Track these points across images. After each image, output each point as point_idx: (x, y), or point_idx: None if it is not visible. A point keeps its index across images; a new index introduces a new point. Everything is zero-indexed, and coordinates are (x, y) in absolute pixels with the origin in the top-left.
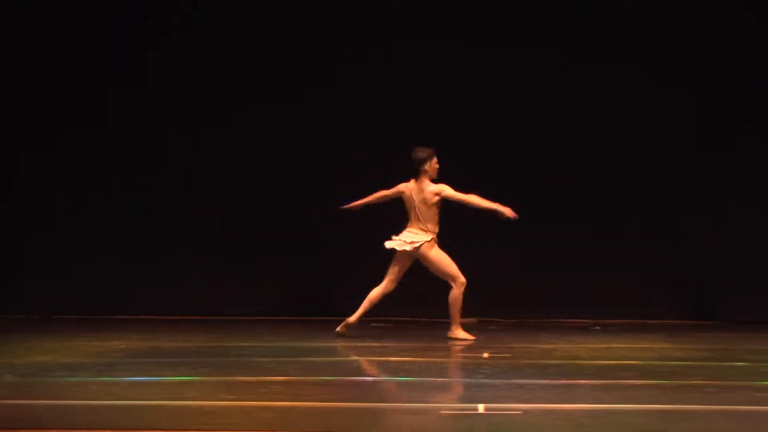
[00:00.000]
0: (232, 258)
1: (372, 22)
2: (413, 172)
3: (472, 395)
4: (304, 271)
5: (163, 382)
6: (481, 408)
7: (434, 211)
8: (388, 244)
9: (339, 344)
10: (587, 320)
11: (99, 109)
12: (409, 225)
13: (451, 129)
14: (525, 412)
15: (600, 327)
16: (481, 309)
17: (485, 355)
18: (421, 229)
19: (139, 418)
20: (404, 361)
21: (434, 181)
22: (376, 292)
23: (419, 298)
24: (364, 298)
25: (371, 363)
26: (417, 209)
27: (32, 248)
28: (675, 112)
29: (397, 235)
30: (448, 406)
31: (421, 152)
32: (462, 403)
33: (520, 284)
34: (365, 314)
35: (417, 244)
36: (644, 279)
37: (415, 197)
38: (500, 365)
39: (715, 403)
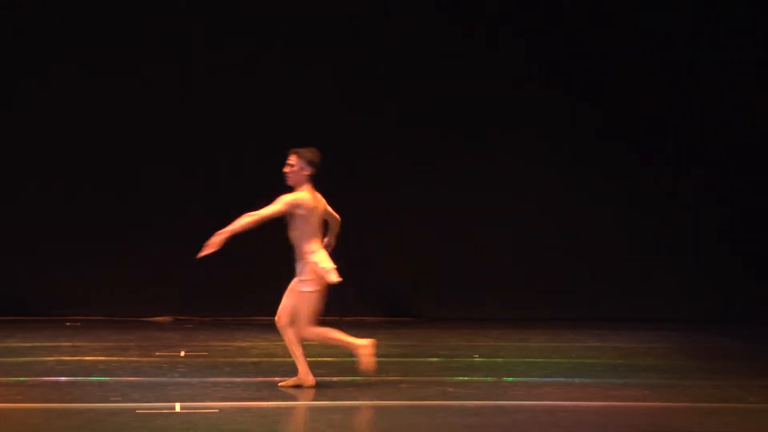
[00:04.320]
0: None
1: None
2: (312, 177)
3: (168, 394)
4: None
5: None
6: (177, 407)
7: None
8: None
9: (31, 344)
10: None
11: None
12: (320, 244)
13: None
14: (221, 410)
15: None
16: (177, 307)
17: (181, 353)
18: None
19: None
20: (98, 360)
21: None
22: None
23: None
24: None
25: (64, 363)
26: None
27: None
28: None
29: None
30: (144, 405)
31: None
32: (158, 402)
33: (216, 282)
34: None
35: None
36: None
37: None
38: (196, 363)
39: (408, 399)
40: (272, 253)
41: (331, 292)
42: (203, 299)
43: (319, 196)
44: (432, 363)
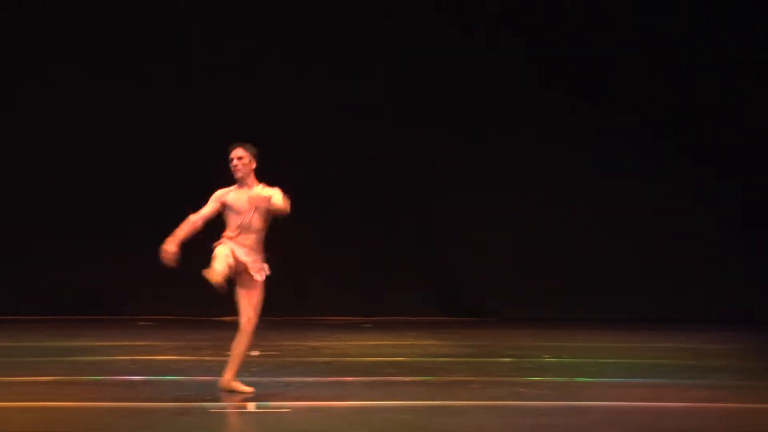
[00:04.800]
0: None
1: None
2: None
3: (241, 394)
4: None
5: None
6: (250, 406)
7: None
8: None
9: (105, 344)
10: (357, 318)
11: None
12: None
13: None
14: (294, 409)
15: (371, 324)
16: None
17: (254, 353)
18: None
19: None
20: (171, 360)
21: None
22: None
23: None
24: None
25: (138, 362)
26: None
27: None
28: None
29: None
30: (217, 404)
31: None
32: (231, 401)
33: (290, 283)
34: None
35: None
36: (412, 277)
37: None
38: (269, 363)
39: (478, 399)
40: (345, 254)
41: (400, 293)
42: (276, 299)
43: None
44: (503, 363)
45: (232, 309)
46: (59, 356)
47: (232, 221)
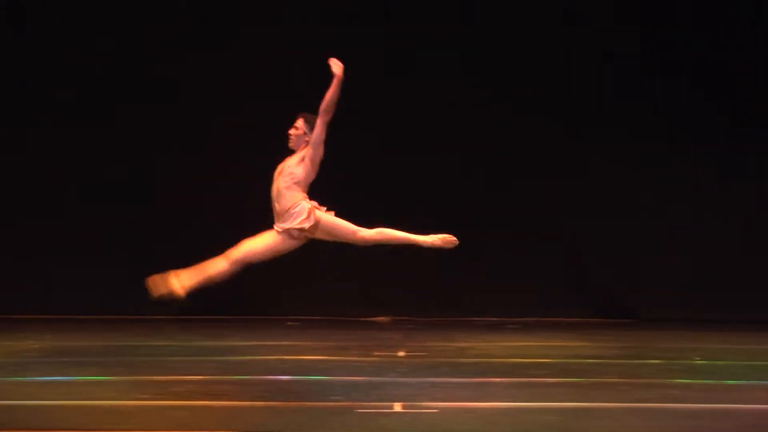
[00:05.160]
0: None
1: None
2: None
3: (387, 394)
4: None
5: (77, 382)
6: (397, 406)
7: None
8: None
9: (253, 343)
10: (503, 318)
11: None
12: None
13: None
14: (441, 410)
15: (516, 325)
16: (396, 307)
17: (401, 353)
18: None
19: (51, 418)
20: (318, 360)
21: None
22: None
23: (333, 297)
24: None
25: (285, 362)
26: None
27: None
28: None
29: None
30: (364, 404)
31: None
32: (378, 401)
33: (435, 282)
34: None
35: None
36: (559, 277)
37: None
38: (416, 363)
39: (628, 401)
40: (493, 254)
41: (551, 294)
42: (423, 300)
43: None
44: (652, 365)
45: (380, 310)
46: (208, 356)
47: None
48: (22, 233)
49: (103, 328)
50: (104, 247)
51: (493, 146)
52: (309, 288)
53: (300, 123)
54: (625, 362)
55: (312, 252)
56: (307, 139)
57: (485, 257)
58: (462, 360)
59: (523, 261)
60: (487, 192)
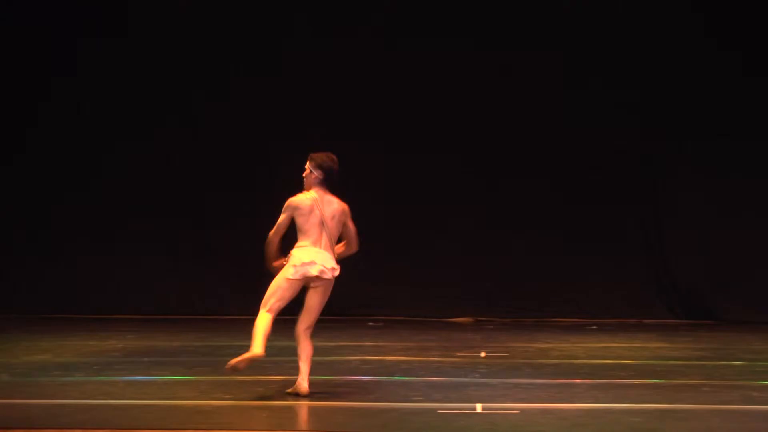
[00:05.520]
0: (229, 258)
1: None
2: (329, 181)
3: (469, 394)
4: None
5: (159, 382)
6: (479, 407)
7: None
8: (313, 270)
9: (335, 344)
10: (584, 319)
11: None
12: (312, 243)
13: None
14: (522, 411)
15: (596, 326)
16: (477, 308)
17: (482, 354)
18: (330, 251)
19: (135, 417)
20: (401, 361)
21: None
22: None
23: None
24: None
25: (367, 362)
26: (326, 225)
27: (26, 247)
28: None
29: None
30: (445, 405)
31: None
32: (460, 402)
33: (516, 284)
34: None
35: (336, 272)
36: (640, 279)
37: (325, 211)
38: (497, 364)
39: (711, 403)
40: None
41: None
42: (504, 301)
43: (330, 200)
44: (735, 366)
45: (458, 311)
46: (290, 356)
47: None
48: (127, 235)
49: (186, 328)
50: (192, 249)
51: (577, 149)
52: (391, 288)
53: (308, 165)
54: (707, 364)
55: (391, 250)
56: (314, 176)
57: (566, 259)
58: (543, 361)
59: (606, 262)
60: (569, 195)
